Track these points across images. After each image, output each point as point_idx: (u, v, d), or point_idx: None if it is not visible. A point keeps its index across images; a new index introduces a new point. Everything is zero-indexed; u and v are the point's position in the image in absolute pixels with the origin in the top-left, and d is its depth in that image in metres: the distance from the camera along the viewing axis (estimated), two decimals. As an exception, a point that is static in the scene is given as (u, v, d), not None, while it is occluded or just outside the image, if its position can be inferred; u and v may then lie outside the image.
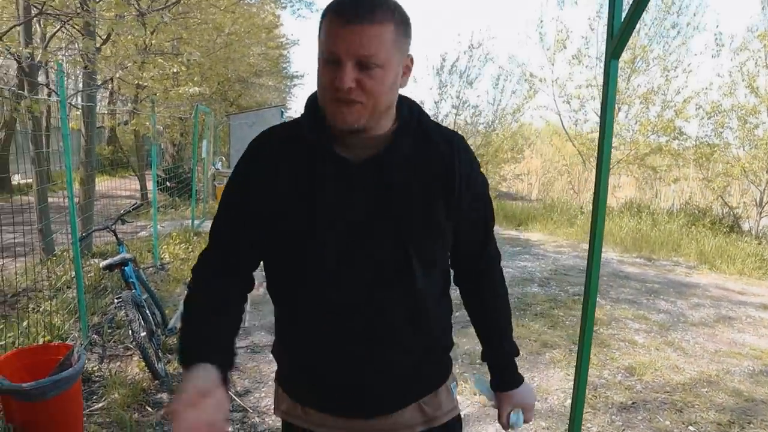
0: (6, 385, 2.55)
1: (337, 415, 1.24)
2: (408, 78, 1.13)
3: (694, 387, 4.03)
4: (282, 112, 15.23)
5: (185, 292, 4.36)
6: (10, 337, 3.74)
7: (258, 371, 3.95)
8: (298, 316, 1.21)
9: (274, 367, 3.43)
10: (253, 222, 1.17)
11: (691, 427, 3.45)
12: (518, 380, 1.39)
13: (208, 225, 8.38)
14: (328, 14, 1.04)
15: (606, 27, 2.33)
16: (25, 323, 4.03)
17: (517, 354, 1.40)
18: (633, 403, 3.74)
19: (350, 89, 1.02)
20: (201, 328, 1.12)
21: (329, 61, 1.04)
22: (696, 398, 3.84)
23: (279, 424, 3.26)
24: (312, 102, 1.18)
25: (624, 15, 2.25)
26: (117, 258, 4.00)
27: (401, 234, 1.13)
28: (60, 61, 4.89)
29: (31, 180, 6.75)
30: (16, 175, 13.55)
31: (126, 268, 3.99)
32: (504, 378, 1.40)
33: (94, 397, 3.41)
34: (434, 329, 1.26)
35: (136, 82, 8.97)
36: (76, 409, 2.85)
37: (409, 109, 1.19)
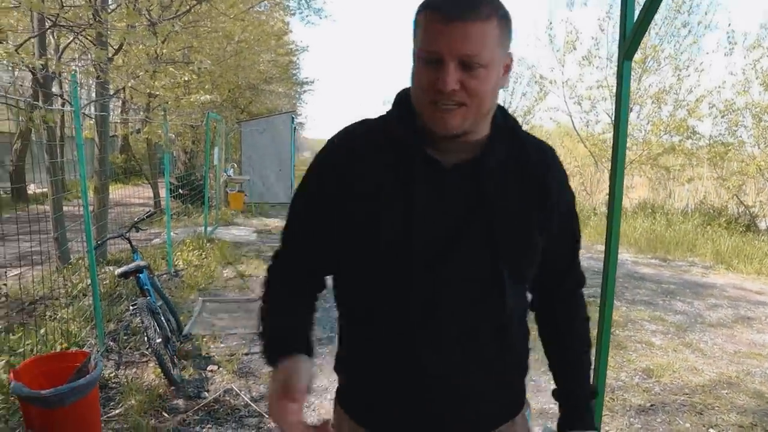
0: (25, 392, 2.57)
1: None
2: (508, 78, 1.07)
3: (714, 389, 3.98)
4: (293, 118, 15.30)
5: (199, 298, 4.38)
6: (28, 344, 3.77)
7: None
8: (373, 327, 1.11)
9: None
10: (332, 222, 1.10)
11: (711, 430, 3.40)
12: (589, 425, 1.22)
13: (220, 231, 8.44)
14: (426, 11, 0.97)
15: (617, 28, 2.32)
16: (42, 331, 4.06)
17: (594, 396, 1.26)
18: (651, 405, 3.70)
19: (453, 91, 0.95)
20: (289, 319, 1.13)
21: (429, 61, 0.97)
22: (716, 400, 3.79)
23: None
24: (402, 99, 1.10)
25: (636, 16, 2.24)
26: (132, 265, 4.03)
27: (494, 245, 1.05)
28: (73, 72, 4.95)
29: (46, 189, 6.83)
30: (32, 185, 13.72)
31: (141, 275, 4.02)
32: (574, 416, 1.24)
33: (111, 403, 3.43)
34: (517, 350, 1.18)
35: (148, 91, 9.05)
36: (93, 416, 2.87)
37: (503, 115, 1.12)
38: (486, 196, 1.05)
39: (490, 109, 1.05)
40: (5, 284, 5.61)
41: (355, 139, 1.13)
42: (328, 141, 1.16)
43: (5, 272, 6.18)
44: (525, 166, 1.11)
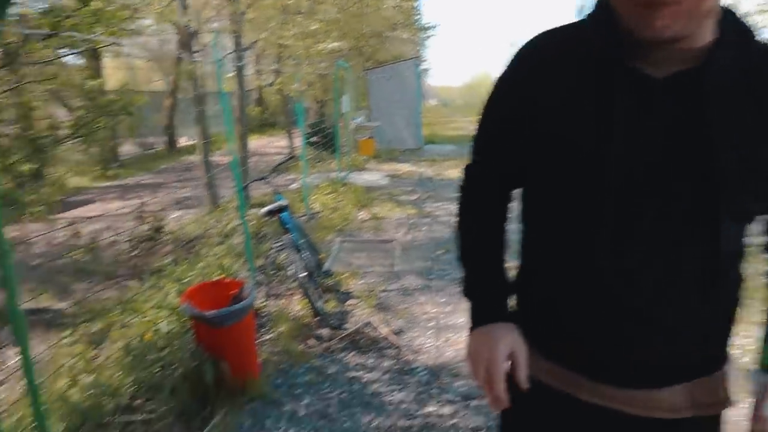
0: (193, 312, 2.85)
1: (587, 376, 1.04)
2: None
3: None
4: (417, 65, 15.15)
5: (337, 238, 4.53)
6: (191, 275, 4.18)
7: (410, 313, 4.04)
8: (563, 252, 1.02)
9: (425, 309, 3.46)
10: (520, 136, 1.02)
11: None
12: None
13: (353, 176, 8.66)
14: None
15: None
16: (201, 264, 4.49)
17: None
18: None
19: None
20: (496, 274, 1.15)
21: None
22: None
23: (430, 362, 3.34)
24: (603, 1, 0.96)
25: None
26: (275, 205, 4.26)
27: (713, 176, 0.88)
28: (213, 29, 5.21)
29: (193, 142, 7.42)
30: (182, 138, 15.03)
31: (283, 214, 4.24)
32: None
33: (263, 329, 3.71)
34: (725, 298, 1.02)
35: (279, 41, 9.36)
36: (249, 337, 3.12)
37: (731, 17, 0.92)
38: (707, 115, 0.88)
39: (710, 10, 0.85)
40: (167, 224, 6.23)
41: (546, 47, 1.01)
42: (520, 49, 1.05)
43: (167, 215, 6.86)
44: (763, 82, 0.90)
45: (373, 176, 9.67)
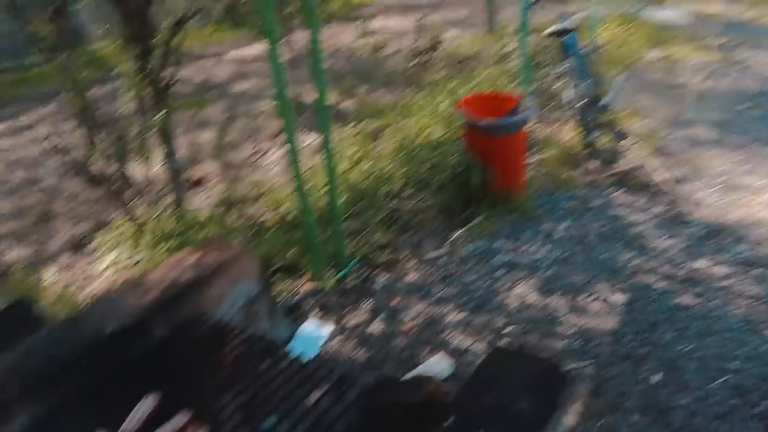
0: (470, 119, 2.90)
1: None
2: None
3: None
4: None
5: (621, 75, 4.09)
6: (463, 90, 4.23)
7: (694, 164, 3.58)
8: None
9: (714, 164, 3.00)
10: None
11: None
12: None
13: (648, 12, 7.50)
14: None
15: None
16: (473, 82, 4.49)
17: None
18: None
19: None
20: None
21: None
22: None
23: (710, 219, 3.00)
24: None
25: None
26: (562, 25, 3.92)
27: None
28: None
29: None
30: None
31: (569, 37, 3.90)
32: None
33: (530, 151, 3.65)
34: None
35: None
36: (520, 151, 3.10)
37: None
38: None
39: None
40: (443, 41, 6.27)
41: None
42: None
43: (444, 33, 6.89)
44: None
45: (673, 14, 8.28)
